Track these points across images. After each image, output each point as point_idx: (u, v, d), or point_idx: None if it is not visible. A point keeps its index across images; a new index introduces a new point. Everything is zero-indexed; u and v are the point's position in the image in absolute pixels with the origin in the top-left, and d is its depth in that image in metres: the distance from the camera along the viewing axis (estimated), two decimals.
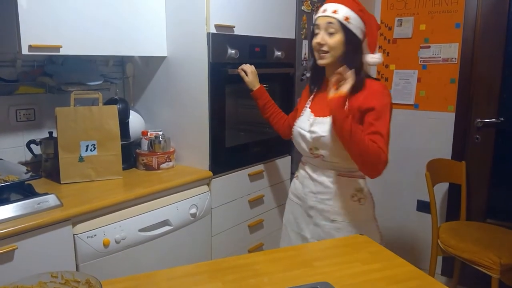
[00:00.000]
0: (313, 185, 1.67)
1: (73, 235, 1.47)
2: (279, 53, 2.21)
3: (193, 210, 1.85)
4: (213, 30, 1.88)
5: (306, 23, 2.37)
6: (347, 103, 1.49)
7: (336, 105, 1.44)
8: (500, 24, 2.58)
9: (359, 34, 1.55)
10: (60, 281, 1.03)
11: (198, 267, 1.28)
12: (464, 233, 2.46)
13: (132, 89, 2.20)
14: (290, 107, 2.39)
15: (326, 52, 1.55)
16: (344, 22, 1.53)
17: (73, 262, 1.48)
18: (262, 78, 2.50)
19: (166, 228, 1.75)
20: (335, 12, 1.53)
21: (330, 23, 1.53)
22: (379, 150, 1.45)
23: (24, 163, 1.91)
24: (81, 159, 1.79)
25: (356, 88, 1.51)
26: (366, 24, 1.57)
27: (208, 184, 1.97)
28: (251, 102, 2.62)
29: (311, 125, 1.62)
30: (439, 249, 2.46)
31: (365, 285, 1.15)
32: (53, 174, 1.83)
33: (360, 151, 1.45)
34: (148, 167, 1.97)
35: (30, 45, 1.56)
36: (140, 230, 1.64)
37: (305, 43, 2.38)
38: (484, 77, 2.67)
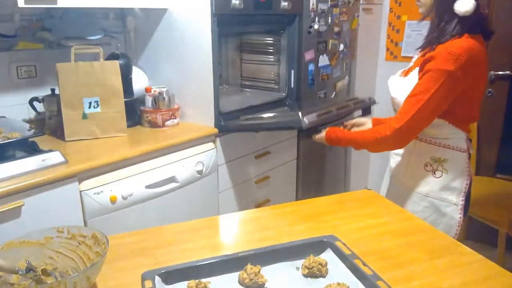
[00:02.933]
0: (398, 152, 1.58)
1: (80, 191, 1.47)
2: (286, 3, 2.10)
3: (199, 167, 1.84)
4: None
5: None
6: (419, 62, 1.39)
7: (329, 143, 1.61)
8: None
9: None
10: (66, 235, 1.03)
11: (205, 221, 1.28)
12: (473, 189, 2.43)
13: (134, 44, 2.14)
14: (298, 62, 2.32)
15: (421, 3, 1.40)
16: None
17: (80, 218, 1.49)
18: (267, 31, 2.43)
19: (173, 184, 1.74)
20: None
21: None
22: (377, 135, 1.42)
23: (28, 121, 1.89)
24: (84, 116, 1.76)
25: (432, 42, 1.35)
26: None
27: (213, 141, 1.95)
28: (258, 57, 2.56)
29: (392, 83, 1.52)
30: None
31: (372, 238, 1.14)
32: (58, 132, 1.81)
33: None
34: (153, 124, 1.94)
35: None
36: (147, 187, 1.64)
37: None
38: (498, 28, 2.54)
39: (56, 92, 1.80)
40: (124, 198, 1.56)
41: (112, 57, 1.90)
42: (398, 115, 1.38)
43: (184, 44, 1.96)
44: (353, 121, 1.79)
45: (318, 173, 2.69)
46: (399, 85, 1.47)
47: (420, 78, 1.35)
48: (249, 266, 0.93)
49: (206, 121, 1.97)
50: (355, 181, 3.09)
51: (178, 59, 2.01)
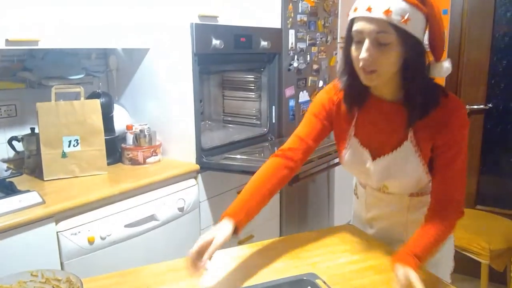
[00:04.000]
0: (383, 206, 1.33)
1: (57, 232, 1.44)
2: (265, 43, 2.17)
3: (180, 204, 1.83)
4: (196, 20, 1.85)
5: (292, 12, 2.34)
6: (412, 133, 1.13)
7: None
8: (487, 10, 2.57)
9: (421, 36, 1.04)
10: (40, 279, 1.00)
11: (184, 261, 1.25)
12: None
13: (116, 83, 2.16)
14: (279, 98, 2.37)
15: (374, 71, 1.05)
16: (402, 25, 0.99)
17: (57, 260, 1.45)
18: (248, 68, 2.49)
19: (153, 223, 1.72)
20: (388, 12, 0.99)
21: (381, 32, 1.00)
22: (452, 223, 1.14)
23: (7, 160, 1.87)
24: (64, 155, 1.75)
25: (424, 111, 1.09)
26: (429, 18, 1.05)
27: (195, 178, 1.95)
28: (239, 93, 2.60)
29: (374, 168, 1.22)
30: None
31: (353, 275, 1.14)
32: (36, 171, 1.79)
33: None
34: (134, 162, 1.94)
35: (7, 39, 1.51)
36: (126, 226, 1.61)
37: (291, 32, 2.35)
38: (471, 63, 2.66)
39: (36, 131, 1.79)
40: (102, 238, 1.53)
41: (93, 95, 1.91)
42: (454, 202, 1.14)
43: (166, 82, 1.99)
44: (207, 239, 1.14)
45: (302, 206, 2.69)
46: (390, 165, 1.19)
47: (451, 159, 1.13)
48: None
49: (187, 158, 1.97)
50: (339, 213, 3.09)
51: (159, 96, 2.03)
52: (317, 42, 2.57)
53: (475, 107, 2.66)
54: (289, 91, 2.40)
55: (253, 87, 2.50)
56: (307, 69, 2.51)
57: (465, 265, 2.59)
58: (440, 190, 1.15)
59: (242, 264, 1.22)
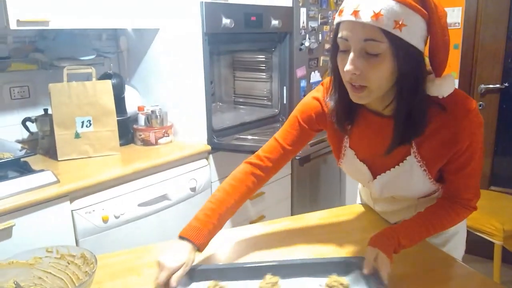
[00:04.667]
0: (388, 206, 1.28)
1: (71, 211, 1.47)
2: (276, 21, 2.14)
3: (192, 184, 1.84)
4: None
5: None
6: (415, 148, 1.01)
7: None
8: None
9: (419, 44, 0.88)
10: (55, 255, 1.03)
11: None
12: None
13: (126, 64, 2.16)
14: (290, 79, 2.35)
15: (364, 86, 0.90)
16: (395, 32, 0.83)
17: (72, 238, 1.48)
18: (259, 48, 2.46)
19: (166, 202, 1.74)
20: (377, 16, 0.83)
21: (370, 40, 0.85)
22: (459, 217, 1.08)
23: (21, 141, 1.90)
24: (77, 135, 1.77)
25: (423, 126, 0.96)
26: (430, 22, 0.87)
27: (207, 158, 1.95)
28: (250, 74, 2.58)
29: (376, 184, 1.12)
30: None
31: (362, 253, 1.14)
32: (50, 152, 1.82)
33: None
34: (146, 142, 1.95)
35: (18, 20, 1.52)
36: (139, 205, 1.63)
37: (303, 10, 2.31)
38: (488, 42, 2.59)
39: (49, 112, 1.81)
40: (116, 217, 1.55)
41: (104, 76, 1.92)
42: (464, 200, 1.07)
43: (176, 62, 1.98)
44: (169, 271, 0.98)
45: (313, 186, 2.69)
46: (396, 183, 1.09)
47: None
48: (268, 276, 0.94)
49: (199, 139, 1.98)
50: (350, 194, 3.08)
51: (170, 77, 2.03)
52: (329, 21, 2.53)
53: (491, 86, 2.61)
54: (300, 72, 2.38)
55: (264, 68, 2.47)
56: (318, 48, 2.48)
57: (477, 247, 2.57)
58: (451, 189, 1.07)
59: (255, 242, 1.23)
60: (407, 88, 0.90)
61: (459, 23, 2.65)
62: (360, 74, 0.88)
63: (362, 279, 0.95)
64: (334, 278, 0.93)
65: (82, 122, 1.77)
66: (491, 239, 2.20)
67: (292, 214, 2.53)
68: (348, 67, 0.88)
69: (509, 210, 2.31)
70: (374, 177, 1.11)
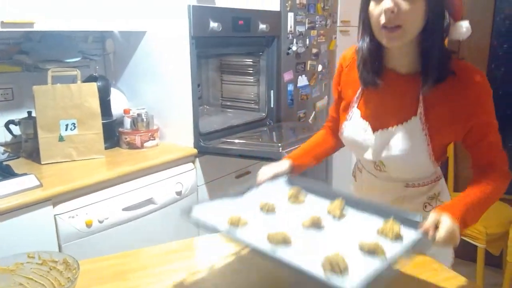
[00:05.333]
0: (378, 195, 1.25)
1: (54, 215, 1.45)
2: (264, 26, 2.15)
3: (178, 188, 1.83)
4: (193, 2, 1.82)
5: None
6: (422, 109, 1.05)
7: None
8: None
9: None
10: (37, 261, 1.01)
11: (181, 243, 1.26)
12: None
13: (113, 66, 2.15)
14: (277, 83, 2.35)
15: (399, 26, 0.96)
16: None
17: (55, 243, 1.46)
18: (246, 52, 2.46)
19: (151, 206, 1.73)
20: None
21: None
22: (496, 183, 1.04)
23: (4, 144, 1.87)
24: (61, 138, 1.74)
25: (439, 78, 1.01)
26: None
27: (193, 162, 1.95)
28: (238, 78, 2.58)
29: (374, 140, 1.13)
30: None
31: None
32: (34, 155, 1.79)
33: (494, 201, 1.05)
34: (132, 146, 1.93)
35: (3, 21, 1.50)
36: (124, 209, 1.62)
37: (290, 15, 2.32)
38: (472, 47, 2.63)
39: (33, 114, 1.79)
40: (100, 221, 1.53)
41: (90, 79, 1.90)
42: (494, 165, 1.06)
43: (163, 65, 1.97)
44: (270, 173, 1.19)
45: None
46: (396, 140, 1.10)
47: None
48: (338, 200, 1.01)
49: (185, 142, 1.97)
50: None
51: (157, 80, 2.02)
52: (316, 26, 2.54)
53: None
54: (287, 76, 2.39)
55: (251, 71, 2.48)
56: (306, 53, 2.49)
57: (460, 249, 2.61)
58: (478, 158, 1.08)
59: (239, 245, 1.22)
60: (433, 33, 0.98)
61: None
62: (397, 13, 0.94)
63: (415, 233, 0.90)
64: (390, 223, 0.90)
65: (67, 125, 1.75)
66: (474, 243, 2.23)
67: None
68: (388, 3, 0.94)
69: (492, 214, 2.33)
70: (374, 132, 1.13)
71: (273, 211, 1.03)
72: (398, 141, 1.09)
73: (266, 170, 1.20)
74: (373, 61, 1.08)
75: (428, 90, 1.02)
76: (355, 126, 1.17)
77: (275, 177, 1.18)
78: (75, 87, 1.75)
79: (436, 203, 1.20)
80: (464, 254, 2.63)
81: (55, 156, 1.74)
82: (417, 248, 0.88)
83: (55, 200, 1.46)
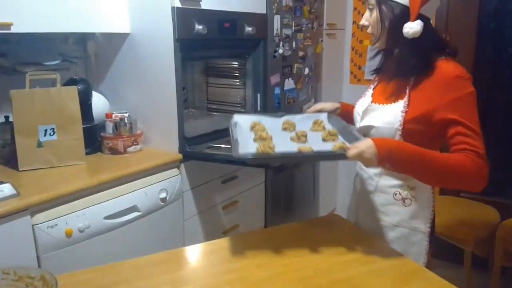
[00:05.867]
0: (363, 174, 1.43)
1: (32, 225, 1.38)
2: (250, 28, 2.11)
3: (162, 195, 1.78)
4: (178, 4, 1.77)
5: None
6: (407, 100, 1.24)
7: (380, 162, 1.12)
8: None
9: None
10: (12, 277, 0.96)
11: (166, 254, 1.22)
12: (439, 208, 2.46)
13: (94, 69, 2.08)
14: (264, 86, 2.32)
15: (371, 33, 1.31)
16: None
17: (33, 254, 1.39)
18: (232, 55, 2.42)
19: (134, 214, 1.67)
20: None
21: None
22: (472, 163, 1.13)
23: None
24: (39, 144, 1.68)
25: (408, 72, 1.23)
26: None
27: (178, 167, 1.89)
28: (224, 80, 2.54)
29: (366, 110, 1.35)
30: None
31: (339, 266, 1.11)
32: (11, 161, 1.72)
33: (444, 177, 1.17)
34: (114, 151, 1.87)
35: None
36: (106, 218, 1.56)
37: (277, 18, 2.29)
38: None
39: (10, 119, 1.72)
40: (80, 230, 1.47)
41: (70, 82, 1.83)
42: (475, 150, 1.15)
43: (147, 68, 1.92)
44: (318, 106, 1.59)
45: (287, 194, 2.66)
46: (380, 113, 1.30)
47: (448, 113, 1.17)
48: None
49: (170, 147, 1.92)
50: (324, 201, 3.08)
51: (140, 83, 1.97)
52: (303, 29, 2.52)
53: None
54: (274, 79, 2.36)
55: (237, 74, 2.44)
56: (292, 56, 2.46)
57: (447, 251, 2.62)
58: (456, 142, 1.17)
59: (226, 256, 1.18)
60: (392, 34, 1.24)
61: None
62: (368, 24, 1.30)
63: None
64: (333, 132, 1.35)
65: (45, 130, 1.68)
66: (461, 246, 2.23)
67: (266, 223, 2.50)
68: (361, 21, 1.32)
69: (479, 217, 2.36)
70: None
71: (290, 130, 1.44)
72: (379, 116, 1.30)
73: (317, 104, 1.61)
74: (382, 55, 1.40)
75: (406, 80, 1.25)
76: (363, 100, 1.42)
77: (320, 111, 1.57)
78: (55, 91, 1.69)
79: (407, 195, 1.32)
80: (449, 257, 2.64)
81: (34, 163, 1.67)
82: (337, 155, 1.20)
83: (33, 209, 1.39)
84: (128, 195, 1.65)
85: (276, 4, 2.26)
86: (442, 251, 2.70)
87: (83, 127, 1.77)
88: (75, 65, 1.97)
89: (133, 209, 1.66)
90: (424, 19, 1.20)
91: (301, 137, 1.34)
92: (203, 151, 1.90)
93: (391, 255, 1.19)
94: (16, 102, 1.64)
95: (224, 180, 2.15)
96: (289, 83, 2.48)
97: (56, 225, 1.43)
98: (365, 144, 1.11)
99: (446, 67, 1.19)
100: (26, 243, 1.38)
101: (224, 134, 2.15)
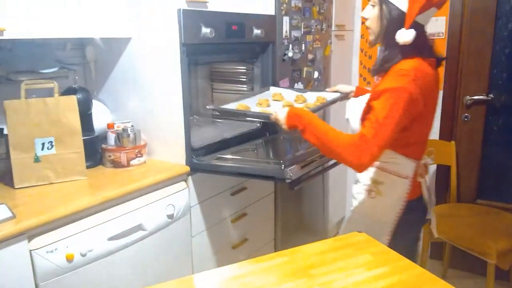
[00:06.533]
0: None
1: (30, 250, 1.26)
2: (258, 31, 1.99)
3: (170, 211, 1.66)
4: (184, 6, 1.66)
5: None
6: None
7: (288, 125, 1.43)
8: None
9: (401, 4, 1.29)
10: None
11: (176, 285, 1.09)
12: (456, 218, 2.36)
13: (94, 76, 1.96)
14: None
15: (368, 28, 1.39)
16: None
17: (31, 282, 1.27)
18: (240, 59, 2.31)
19: (140, 233, 1.55)
20: None
21: None
22: (351, 141, 1.26)
23: None
24: (37, 159, 1.55)
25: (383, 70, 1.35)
26: None
27: (185, 180, 1.77)
28: (230, 86, 2.42)
29: (348, 105, 1.53)
30: (431, 235, 2.35)
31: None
32: (6, 177, 1.59)
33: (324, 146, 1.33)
34: (116, 164, 1.75)
35: None
36: (110, 239, 1.44)
37: (286, 19, 2.17)
38: (473, 52, 2.54)
39: (5, 132, 1.59)
40: (82, 254, 1.35)
41: (68, 91, 1.71)
42: (364, 134, 1.27)
43: (150, 75, 1.80)
44: (337, 87, 1.88)
45: (297, 204, 2.55)
46: (352, 107, 1.49)
47: (374, 100, 1.30)
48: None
49: (176, 159, 1.80)
50: (333, 209, 2.96)
51: (144, 91, 1.84)
52: (312, 31, 2.40)
53: (476, 97, 2.55)
54: (284, 83, 2.24)
55: (244, 79, 2.32)
56: (302, 59, 2.35)
57: (466, 262, 2.50)
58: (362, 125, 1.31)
59: (243, 285, 1.06)
60: (389, 36, 1.32)
61: (442, 33, 2.59)
62: (367, 19, 1.39)
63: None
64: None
65: (43, 144, 1.56)
66: (483, 258, 2.12)
67: (275, 235, 2.38)
68: (363, 13, 1.41)
69: (500, 225, 2.24)
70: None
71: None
72: (351, 110, 1.45)
73: (336, 86, 1.90)
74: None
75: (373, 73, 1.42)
76: (359, 99, 1.51)
77: (337, 91, 1.85)
78: (52, 101, 1.57)
79: (373, 188, 1.45)
80: (470, 267, 2.54)
81: (30, 179, 1.55)
82: (261, 115, 1.59)
83: (30, 233, 1.27)
84: (133, 213, 1.53)
85: (285, 5, 2.15)
86: (460, 261, 2.60)
87: (83, 139, 1.65)
88: (73, 73, 1.85)
89: (138, 227, 1.54)
90: (419, 26, 1.30)
91: (263, 103, 1.67)
92: (211, 163, 1.78)
93: (429, 280, 1.07)
94: (11, 114, 1.52)
95: (233, 192, 2.03)
96: (299, 88, 2.36)
97: (55, 249, 1.30)
98: (283, 111, 1.43)
99: (403, 62, 1.29)
100: (23, 271, 1.25)
101: (231, 143, 2.04)
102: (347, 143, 1.26)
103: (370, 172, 1.47)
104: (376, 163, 1.43)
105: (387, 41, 1.35)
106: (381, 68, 1.36)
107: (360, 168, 1.28)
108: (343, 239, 1.35)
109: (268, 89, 1.97)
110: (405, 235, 1.48)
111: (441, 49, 2.59)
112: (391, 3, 1.30)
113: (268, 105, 1.69)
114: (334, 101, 1.79)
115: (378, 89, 1.30)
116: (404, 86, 1.25)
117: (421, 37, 1.31)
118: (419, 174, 1.46)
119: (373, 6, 1.35)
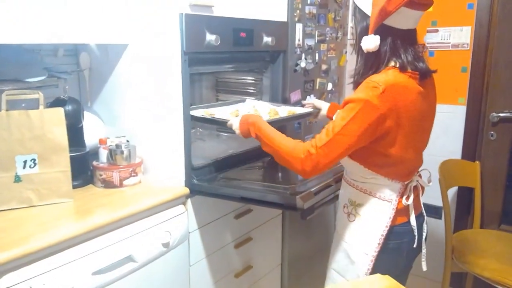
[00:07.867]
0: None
1: None
2: (269, 39, 1.82)
3: (165, 239, 1.47)
4: (187, 10, 1.49)
5: (300, 3, 1.98)
6: None
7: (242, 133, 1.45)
8: None
9: (366, 8, 1.24)
10: None
11: None
12: (481, 246, 2.16)
13: (88, 85, 1.79)
14: (284, 103, 2.02)
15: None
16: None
17: None
18: (248, 69, 2.14)
19: (130, 265, 1.37)
20: None
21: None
22: (300, 148, 1.23)
23: None
24: (17, 179, 1.38)
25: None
26: None
27: (184, 204, 1.59)
28: (237, 98, 2.25)
29: None
30: (453, 265, 2.15)
31: None
32: None
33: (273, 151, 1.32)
34: (108, 184, 1.57)
35: None
36: (94, 273, 1.25)
37: (299, 26, 2.00)
38: (500, 65, 2.34)
39: None
40: None
41: (57, 102, 1.55)
42: (315, 141, 1.23)
43: (149, 85, 1.62)
44: (312, 101, 1.86)
45: (306, 226, 2.36)
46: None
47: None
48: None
49: (175, 179, 1.62)
50: None
51: (141, 103, 1.67)
52: (327, 39, 2.23)
53: (503, 114, 2.35)
54: (295, 96, 2.06)
55: (253, 91, 2.14)
56: (315, 69, 2.17)
57: None
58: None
59: None
60: (357, 42, 1.29)
61: (467, 44, 2.40)
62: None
63: None
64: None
65: (25, 162, 1.39)
66: None
67: (282, 260, 2.19)
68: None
69: None
70: None
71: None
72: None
73: (313, 100, 1.88)
74: None
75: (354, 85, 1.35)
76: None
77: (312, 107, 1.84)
78: (36, 114, 1.40)
79: (352, 210, 1.35)
80: None
81: (9, 202, 1.38)
82: (220, 121, 1.61)
83: (2, 268, 1.09)
84: (123, 243, 1.35)
85: (298, 11, 1.97)
86: None
87: (73, 155, 1.48)
88: (63, 82, 1.67)
89: (128, 259, 1.36)
90: (393, 31, 1.20)
91: (233, 113, 1.70)
92: (213, 185, 1.60)
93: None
94: None
95: (237, 215, 1.84)
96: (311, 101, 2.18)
97: (30, 287, 1.12)
98: (238, 118, 1.46)
99: (376, 74, 1.21)
100: None
101: (237, 160, 1.86)
102: (293, 148, 1.24)
103: (347, 192, 1.39)
104: (354, 182, 1.36)
105: (361, 51, 1.26)
106: (354, 80, 1.32)
107: (304, 175, 1.24)
108: (364, 283, 1.17)
109: (244, 101, 1.98)
110: (388, 264, 1.33)
111: (465, 61, 2.40)
112: (359, 8, 1.26)
113: (237, 115, 1.62)
114: (300, 116, 1.80)
115: (345, 99, 1.24)
116: (369, 99, 1.15)
117: (398, 44, 1.21)
118: (406, 197, 1.31)
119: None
